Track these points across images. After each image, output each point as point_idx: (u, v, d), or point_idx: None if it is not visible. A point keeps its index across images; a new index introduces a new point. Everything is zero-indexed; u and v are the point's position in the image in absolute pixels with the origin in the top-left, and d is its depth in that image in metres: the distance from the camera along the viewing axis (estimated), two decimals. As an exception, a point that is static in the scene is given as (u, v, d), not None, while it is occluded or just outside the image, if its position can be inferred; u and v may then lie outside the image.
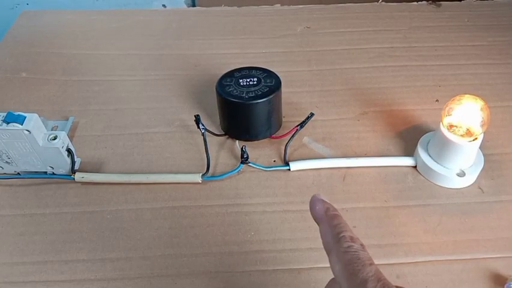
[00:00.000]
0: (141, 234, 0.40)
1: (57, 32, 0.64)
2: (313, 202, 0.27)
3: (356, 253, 0.23)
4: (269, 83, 0.45)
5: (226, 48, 0.61)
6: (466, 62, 0.58)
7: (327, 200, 0.27)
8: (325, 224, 0.25)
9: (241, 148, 0.45)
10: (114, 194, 0.44)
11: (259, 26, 0.65)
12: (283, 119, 0.50)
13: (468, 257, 0.38)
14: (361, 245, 0.24)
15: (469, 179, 0.43)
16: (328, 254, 0.25)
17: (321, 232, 0.26)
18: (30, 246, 0.40)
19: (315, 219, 0.27)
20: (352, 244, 0.24)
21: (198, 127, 0.45)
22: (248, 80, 0.46)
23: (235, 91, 0.44)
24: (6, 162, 0.43)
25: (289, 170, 0.45)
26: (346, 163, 0.45)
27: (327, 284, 0.26)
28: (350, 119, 0.51)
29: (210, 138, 0.48)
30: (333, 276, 0.25)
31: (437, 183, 0.44)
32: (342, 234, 0.24)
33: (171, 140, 0.49)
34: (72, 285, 0.37)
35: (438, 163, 0.43)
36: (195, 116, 0.46)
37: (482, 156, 0.44)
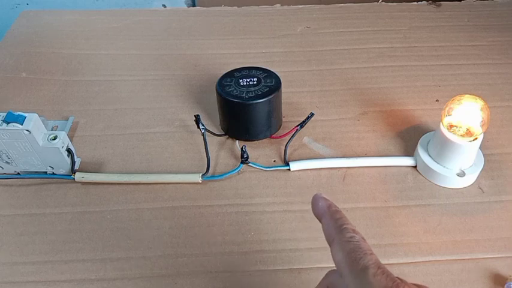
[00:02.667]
0: (141, 234, 0.40)
1: (57, 32, 0.64)
2: (316, 199, 0.28)
3: (358, 243, 0.24)
4: (269, 83, 0.45)
5: (226, 48, 0.61)
6: (466, 62, 0.58)
7: (328, 199, 0.28)
8: (327, 217, 0.26)
9: (241, 148, 0.45)
10: (114, 194, 0.44)
11: (259, 26, 0.65)
12: (283, 119, 0.50)
13: (468, 257, 0.38)
14: (362, 237, 0.25)
15: (469, 179, 0.43)
16: (330, 244, 0.25)
17: (323, 226, 0.26)
18: (30, 246, 0.40)
19: (317, 216, 0.27)
20: (354, 235, 0.25)
21: (198, 127, 0.45)
22: (248, 80, 0.46)
23: (235, 91, 0.44)
24: (6, 162, 0.43)
25: (289, 170, 0.45)
26: (346, 163, 0.45)
27: (324, 275, 0.27)
28: (350, 119, 0.51)
29: (210, 138, 0.48)
30: (330, 270, 0.26)
31: (437, 183, 0.44)
32: (344, 226, 0.25)
33: (171, 140, 0.49)
34: (72, 285, 0.37)
35: (438, 163, 0.43)
36: (195, 116, 0.46)
37: (482, 156, 0.44)
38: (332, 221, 0.26)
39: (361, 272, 0.23)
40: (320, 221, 0.27)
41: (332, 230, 0.25)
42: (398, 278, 0.23)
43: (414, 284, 0.24)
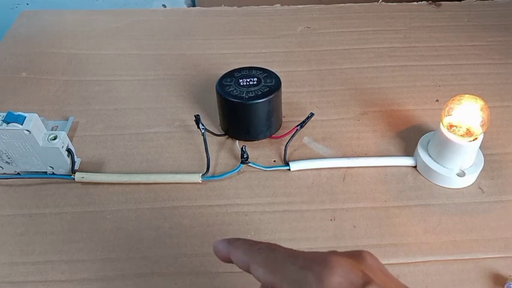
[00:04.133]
0: (141, 234, 0.40)
1: (57, 32, 0.64)
2: (216, 246, 0.27)
3: (267, 247, 0.25)
4: (269, 83, 0.45)
5: (226, 48, 0.61)
6: (466, 62, 0.58)
7: (225, 239, 0.28)
8: (233, 251, 0.26)
9: (241, 148, 0.45)
10: (114, 194, 0.44)
11: (259, 26, 0.65)
12: (283, 119, 0.50)
13: (468, 257, 0.38)
14: (268, 243, 0.25)
15: (469, 179, 0.43)
16: (248, 270, 0.25)
17: (234, 261, 0.26)
18: (30, 246, 0.40)
19: (225, 260, 0.27)
20: (260, 246, 0.25)
21: (198, 127, 0.45)
22: (248, 80, 0.46)
23: (235, 91, 0.44)
24: (6, 162, 0.43)
25: (289, 170, 0.45)
26: (346, 163, 0.45)
27: None
28: (350, 119, 0.51)
29: (210, 138, 0.48)
30: None
31: (437, 183, 0.44)
32: (249, 246, 0.25)
33: (171, 140, 0.49)
34: (72, 285, 0.37)
35: (438, 163, 0.43)
36: (195, 116, 0.46)
37: (482, 156, 0.44)
38: (238, 251, 0.26)
39: (282, 267, 0.23)
40: (232, 261, 0.26)
41: (242, 258, 0.25)
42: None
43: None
